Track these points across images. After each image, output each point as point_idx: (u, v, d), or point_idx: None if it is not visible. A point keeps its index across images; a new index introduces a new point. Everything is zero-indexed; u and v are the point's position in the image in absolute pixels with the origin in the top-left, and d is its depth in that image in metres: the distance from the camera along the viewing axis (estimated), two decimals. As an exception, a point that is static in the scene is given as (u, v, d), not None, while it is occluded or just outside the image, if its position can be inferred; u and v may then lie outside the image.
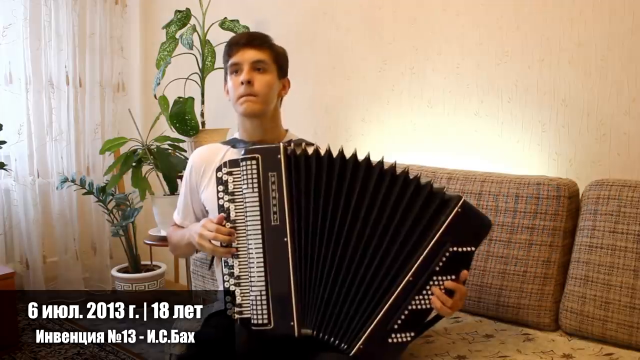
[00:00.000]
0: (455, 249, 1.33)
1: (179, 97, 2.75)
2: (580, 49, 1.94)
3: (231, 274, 1.37)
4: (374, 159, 1.40)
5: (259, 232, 1.36)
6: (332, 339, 1.35)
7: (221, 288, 1.42)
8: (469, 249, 1.34)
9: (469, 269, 1.37)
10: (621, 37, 1.85)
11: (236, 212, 1.38)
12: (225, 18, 2.77)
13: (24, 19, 3.18)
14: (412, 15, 2.36)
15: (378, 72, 2.50)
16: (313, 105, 2.74)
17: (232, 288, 1.37)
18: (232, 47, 1.56)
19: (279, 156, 1.37)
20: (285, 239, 1.35)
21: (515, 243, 1.77)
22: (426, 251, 1.33)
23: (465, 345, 1.63)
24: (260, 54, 1.55)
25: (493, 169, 2.02)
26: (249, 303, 1.36)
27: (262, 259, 1.36)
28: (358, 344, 1.32)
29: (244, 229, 1.38)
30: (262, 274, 1.35)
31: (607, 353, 1.57)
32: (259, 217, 1.36)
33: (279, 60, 1.59)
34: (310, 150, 1.42)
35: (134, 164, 2.81)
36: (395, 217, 1.34)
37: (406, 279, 1.32)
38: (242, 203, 1.38)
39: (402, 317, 1.32)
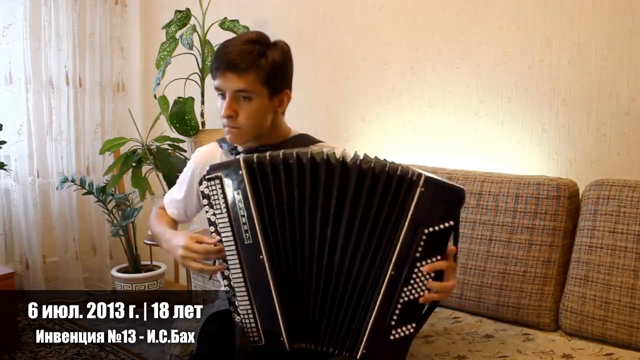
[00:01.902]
0: (431, 229, 1.27)
1: (179, 97, 2.75)
2: (580, 49, 1.94)
3: (230, 286, 1.36)
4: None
5: (235, 252, 1.33)
6: (331, 349, 1.33)
7: (222, 289, 1.41)
8: (447, 224, 1.28)
9: (457, 245, 1.33)
10: (621, 37, 1.85)
11: (220, 227, 1.35)
12: (225, 18, 2.77)
13: (24, 19, 3.18)
14: (412, 15, 2.36)
15: (378, 72, 2.49)
16: (313, 106, 2.74)
17: (232, 299, 1.36)
18: (215, 69, 1.42)
19: (240, 172, 1.32)
20: (261, 257, 1.31)
21: (515, 243, 1.77)
22: (400, 241, 1.28)
23: (465, 345, 1.63)
24: (243, 82, 1.39)
25: (493, 169, 2.02)
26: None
27: (242, 280, 1.33)
28: (360, 349, 1.30)
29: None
30: (245, 294, 1.33)
31: (607, 353, 1.57)
32: (231, 238, 1.33)
33: (269, 81, 1.41)
34: (314, 147, 1.36)
35: (134, 164, 2.81)
36: (370, 213, 1.29)
37: (388, 273, 1.28)
38: None
39: (397, 311, 1.29)
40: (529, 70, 2.06)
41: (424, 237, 1.28)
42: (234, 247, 1.33)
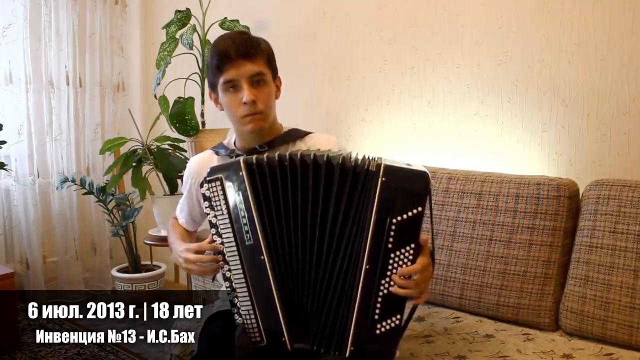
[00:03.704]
0: (399, 218, 1.26)
1: (179, 97, 2.75)
2: (580, 49, 1.94)
3: (232, 287, 1.36)
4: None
5: (236, 253, 1.34)
6: (321, 349, 1.33)
7: (223, 289, 1.42)
8: (415, 211, 1.26)
9: (433, 229, 1.34)
10: (621, 37, 1.85)
11: (221, 228, 1.36)
12: (225, 18, 2.77)
13: (24, 19, 3.18)
14: (412, 15, 2.36)
15: (378, 72, 2.50)
16: (313, 106, 2.74)
17: (234, 301, 1.36)
18: (224, 61, 1.43)
19: (241, 173, 1.33)
20: (262, 257, 1.32)
21: (515, 243, 1.77)
22: (370, 235, 1.27)
23: (465, 345, 1.63)
24: (256, 65, 1.43)
25: (493, 169, 2.02)
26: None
27: (243, 281, 1.34)
28: (348, 348, 1.30)
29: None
30: (246, 294, 1.34)
31: (607, 353, 1.57)
32: (232, 239, 1.34)
33: (271, 63, 1.49)
34: (299, 144, 1.40)
35: (134, 164, 2.81)
36: (350, 209, 1.30)
37: (364, 268, 1.28)
38: None
39: (378, 305, 1.29)
40: (529, 70, 2.06)
41: (393, 228, 1.27)
42: (235, 248, 1.34)
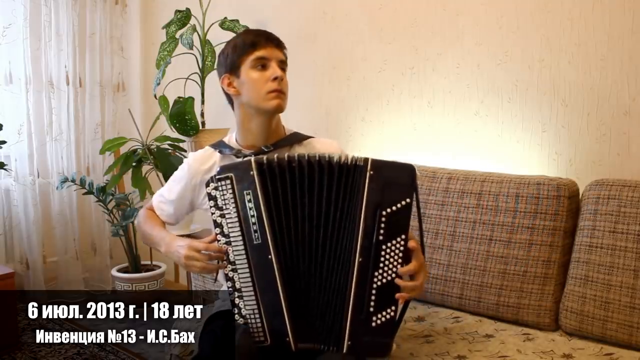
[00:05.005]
0: (388, 210, 1.30)
1: (179, 97, 2.75)
2: (580, 49, 1.94)
3: (234, 287, 1.37)
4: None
5: (243, 252, 1.35)
6: (321, 346, 1.35)
7: (223, 289, 1.42)
8: (403, 202, 1.31)
9: (422, 227, 1.38)
10: (621, 37, 1.85)
11: (229, 227, 1.37)
12: (225, 18, 2.77)
13: (24, 19, 3.18)
14: (412, 15, 2.36)
15: (378, 72, 2.49)
16: (313, 106, 2.74)
17: (236, 301, 1.37)
18: (258, 41, 1.50)
19: (251, 172, 1.35)
20: (270, 257, 1.34)
21: (515, 243, 1.77)
22: (361, 228, 1.31)
23: (465, 345, 1.63)
24: (282, 54, 1.53)
25: (493, 169, 2.02)
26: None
27: (249, 279, 1.35)
28: (345, 342, 1.31)
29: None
30: (252, 293, 1.35)
31: (607, 353, 1.57)
32: (240, 238, 1.35)
33: (287, 60, 1.57)
34: (299, 149, 1.41)
35: (134, 164, 2.82)
36: (344, 208, 1.34)
37: (356, 261, 1.31)
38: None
39: (373, 297, 1.31)
40: (529, 70, 2.06)
41: (383, 220, 1.31)
42: (242, 247, 1.35)
